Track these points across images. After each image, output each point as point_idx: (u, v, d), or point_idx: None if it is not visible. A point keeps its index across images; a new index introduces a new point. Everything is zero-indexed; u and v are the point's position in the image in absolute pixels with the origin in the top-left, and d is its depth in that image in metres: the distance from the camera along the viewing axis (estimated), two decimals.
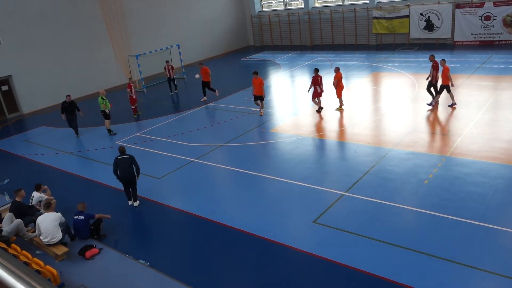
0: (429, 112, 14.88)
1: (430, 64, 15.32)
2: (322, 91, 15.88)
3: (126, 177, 10.46)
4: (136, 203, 10.80)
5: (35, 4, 21.50)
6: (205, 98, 19.63)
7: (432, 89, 15.22)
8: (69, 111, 16.39)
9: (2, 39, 20.45)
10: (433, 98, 15.28)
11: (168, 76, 21.71)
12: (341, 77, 15.74)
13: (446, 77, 14.54)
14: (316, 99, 16.02)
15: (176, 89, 22.27)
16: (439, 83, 14.94)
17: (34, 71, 21.62)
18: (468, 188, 9.60)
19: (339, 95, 15.92)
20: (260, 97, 16.33)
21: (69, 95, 16.72)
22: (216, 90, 19.55)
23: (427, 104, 15.29)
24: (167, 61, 22.04)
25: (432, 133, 13.00)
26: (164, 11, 27.91)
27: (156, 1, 27.36)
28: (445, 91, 14.91)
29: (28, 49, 21.29)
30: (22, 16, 21.01)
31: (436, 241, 7.92)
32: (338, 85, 15.69)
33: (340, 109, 16.09)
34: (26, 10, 21.18)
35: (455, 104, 14.96)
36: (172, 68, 21.65)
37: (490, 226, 8.18)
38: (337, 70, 15.83)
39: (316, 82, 15.74)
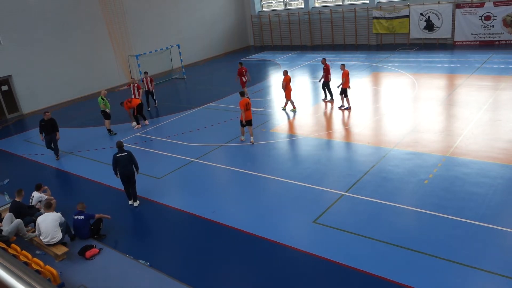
0: (345, 111, 15.93)
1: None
2: (247, 80, 18.82)
3: (126, 174, 10.48)
4: (136, 203, 10.81)
5: (35, 4, 21.50)
6: (139, 125, 17.03)
7: (327, 88, 17.15)
8: (48, 130, 14.16)
9: (2, 39, 20.45)
10: (330, 97, 17.23)
11: (147, 89, 19.04)
12: (289, 80, 16.35)
13: (347, 81, 15.57)
14: (245, 88, 18.75)
15: (155, 103, 19.79)
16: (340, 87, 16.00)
17: (34, 71, 21.62)
18: (468, 188, 9.60)
19: (287, 97, 16.52)
20: (249, 122, 13.68)
21: (48, 112, 14.46)
22: (147, 120, 17.41)
23: (339, 107, 16.29)
24: (145, 72, 19.44)
25: (432, 133, 13.00)
26: (164, 11, 27.91)
27: (156, 1, 27.36)
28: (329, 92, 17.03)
29: (28, 49, 21.28)
30: (22, 16, 21.01)
31: (436, 241, 7.92)
32: (287, 87, 16.36)
33: (293, 109, 16.78)
34: (26, 10, 21.18)
35: (350, 108, 16.01)
36: (151, 80, 19.06)
37: (490, 226, 8.18)
38: (285, 73, 16.55)
39: (241, 74, 18.70)
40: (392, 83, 19.19)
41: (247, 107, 13.40)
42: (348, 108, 15.95)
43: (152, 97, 19.51)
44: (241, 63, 19.45)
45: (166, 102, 20.81)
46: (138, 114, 16.97)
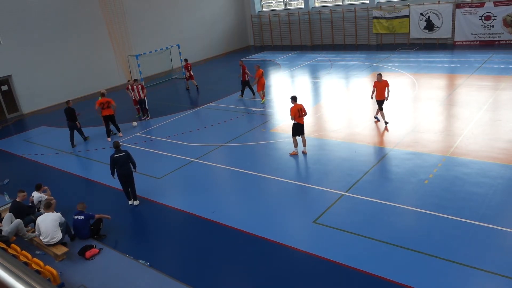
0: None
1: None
2: (191, 75, 21.86)
3: (124, 174, 10.50)
4: (136, 202, 10.82)
5: (35, 4, 21.50)
6: (109, 138, 15.85)
7: (248, 86, 19.11)
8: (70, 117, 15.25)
9: (2, 39, 20.45)
10: (253, 93, 19.07)
11: (135, 97, 17.72)
12: (260, 74, 18.01)
13: (377, 92, 13.95)
14: (190, 81, 21.99)
15: (148, 116, 18.03)
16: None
17: (34, 71, 21.62)
18: (468, 188, 9.60)
19: (258, 89, 18.40)
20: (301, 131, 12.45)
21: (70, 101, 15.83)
22: (120, 131, 16.22)
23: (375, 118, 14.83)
24: (135, 80, 18.13)
25: (432, 133, 12.99)
26: (164, 11, 27.91)
27: (156, 1, 27.36)
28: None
29: (28, 49, 21.28)
30: (22, 16, 21.01)
31: (436, 241, 7.92)
32: (258, 81, 18.07)
33: (263, 101, 18.38)
34: (26, 10, 21.18)
35: (378, 121, 14.43)
36: (142, 87, 17.51)
37: (490, 226, 8.18)
38: (257, 68, 18.35)
39: (186, 68, 21.82)
40: (392, 83, 19.13)
41: (299, 114, 12.11)
42: (377, 121, 14.38)
43: (145, 106, 17.87)
44: (186, 59, 22.31)
45: (166, 102, 20.81)
46: (112, 125, 15.80)
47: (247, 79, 18.97)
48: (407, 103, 16.14)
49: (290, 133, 12.51)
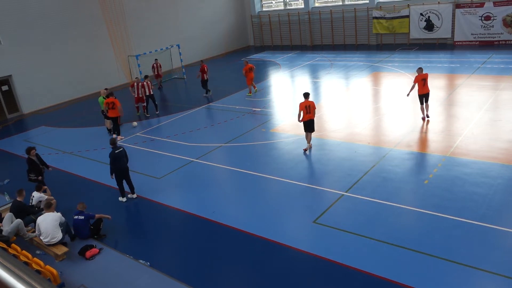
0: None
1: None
2: (160, 75, 23.80)
3: (122, 169, 10.62)
4: (135, 195, 10.97)
5: (35, 4, 21.50)
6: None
7: (204, 86, 20.47)
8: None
9: (2, 39, 20.45)
10: (209, 92, 20.50)
11: (149, 93, 17.96)
12: (249, 69, 19.21)
13: (418, 87, 13.64)
14: (158, 79, 23.74)
15: (157, 110, 18.57)
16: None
17: (34, 71, 21.61)
18: (468, 188, 9.60)
19: (248, 83, 19.62)
20: (309, 127, 12.58)
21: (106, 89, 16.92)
22: (120, 135, 15.92)
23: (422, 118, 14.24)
24: (145, 76, 18.70)
25: (432, 133, 13.00)
26: (164, 11, 27.92)
27: (156, 1, 27.36)
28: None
29: (28, 49, 21.28)
30: (22, 16, 21.00)
31: (436, 241, 7.92)
32: (247, 75, 19.29)
33: (249, 94, 19.74)
34: (26, 10, 21.18)
35: (424, 118, 14.00)
36: (150, 83, 18.21)
37: (490, 226, 8.18)
38: (245, 63, 19.71)
39: (157, 67, 23.24)
40: (392, 83, 19.19)
41: (307, 110, 12.21)
42: (423, 118, 13.90)
43: (154, 102, 18.38)
44: (156, 59, 23.64)
45: (166, 102, 20.80)
46: (114, 126, 15.76)
47: (205, 78, 20.08)
48: (407, 103, 16.11)
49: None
